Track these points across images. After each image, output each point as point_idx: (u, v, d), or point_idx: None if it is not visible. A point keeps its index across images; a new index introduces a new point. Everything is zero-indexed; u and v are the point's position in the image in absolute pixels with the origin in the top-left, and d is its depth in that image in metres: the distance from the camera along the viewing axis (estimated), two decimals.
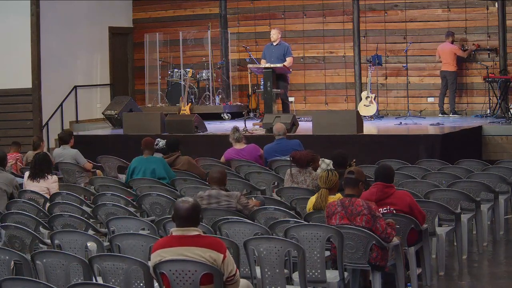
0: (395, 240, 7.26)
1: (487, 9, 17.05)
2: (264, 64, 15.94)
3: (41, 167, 9.84)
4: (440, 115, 16.82)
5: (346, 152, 9.44)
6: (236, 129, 12.17)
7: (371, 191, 7.74)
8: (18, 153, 12.79)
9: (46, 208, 9.14)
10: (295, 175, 9.31)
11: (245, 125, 14.84)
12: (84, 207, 9.12)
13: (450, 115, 16.76)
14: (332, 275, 6.95)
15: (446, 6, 17.48)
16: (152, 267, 5.77)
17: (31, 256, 6.42)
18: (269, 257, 6.57)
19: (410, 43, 17.35)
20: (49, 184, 9.77)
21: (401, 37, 17.86)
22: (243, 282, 6.11)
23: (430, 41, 17.56)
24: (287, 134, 12.66)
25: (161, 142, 11.85)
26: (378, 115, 17.11)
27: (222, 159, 12.20)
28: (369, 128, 15.10)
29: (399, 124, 15.61)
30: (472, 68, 17.25)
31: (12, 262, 6.43)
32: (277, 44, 16.14)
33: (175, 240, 5.70)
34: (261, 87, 16.36)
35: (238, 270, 5.87)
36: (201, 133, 15.16)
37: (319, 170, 9.44)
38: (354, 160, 9.49)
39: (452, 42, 16.81)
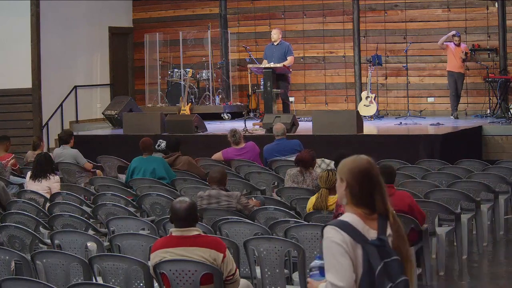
0: None
1: (487, 9, 17.05)
2: (265, 64, 15.93)
3: (43, 167, 9.83)
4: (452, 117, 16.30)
5: (348, 152, 9.42)
6: (234, 132, 12.04)
7: None
8: (8, 151, 12.61)
9: (46, 208, 9.14)
10: (296, 175, 9.32)
11: (245, 125, 14.84)
12: (84, 207, 9.12)
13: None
14: None
15: (446, 6, 17.48)
16: (152, 267, 5.77)
17: (31, 256, 6.42)
18: (269, 257, 6.57)
19: (410, 43, 17.34)
20: (51, 184, 9.77)
21: (401, 37, 17.86)
22: (243, 282, 6.11)
23: (430, 41, 17.55)
24: (287, 134, 12.66)
25: (163, 144, 11.83)
26: (378, 115, 17.11)
27: (219, 155, 12.17)
28: (369, 128, 15.10)
29: (399, 124, 15.60)
30: (472, 68, 17.25)
31: (13, 262, 6.43)
32: (278, 44, 16.13)
33: (175, 241, 5.71)
34: (261, 87, 16.36)
35: (237, 270, 5.87)
36: (201, 133, 15.16)
37: (318, 170, 9.44)
38: None
39: (456, 42, 16.40)
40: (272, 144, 12.09)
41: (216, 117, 17.98)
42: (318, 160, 9.73)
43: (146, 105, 19.44)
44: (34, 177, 9.83)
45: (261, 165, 11.69)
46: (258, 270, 6.75)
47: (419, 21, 17.73)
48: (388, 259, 3.78)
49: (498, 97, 16.14)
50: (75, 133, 13.79)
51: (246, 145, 12.03)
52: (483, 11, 17.12)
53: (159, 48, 19.74)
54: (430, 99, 17.75)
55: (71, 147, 12.23)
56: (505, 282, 8.28)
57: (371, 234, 3.82)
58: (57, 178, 9.96)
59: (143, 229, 7.74)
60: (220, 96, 18.67)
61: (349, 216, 3.84)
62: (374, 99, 16.83)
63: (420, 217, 7.65)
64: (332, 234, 3.76)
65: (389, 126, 15.66)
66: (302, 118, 16.36)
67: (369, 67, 17.18)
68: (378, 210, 3.84)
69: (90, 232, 7.82)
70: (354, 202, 3.85)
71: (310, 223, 7.38)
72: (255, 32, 19.38)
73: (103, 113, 17.81)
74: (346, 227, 3.77)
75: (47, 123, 17.84)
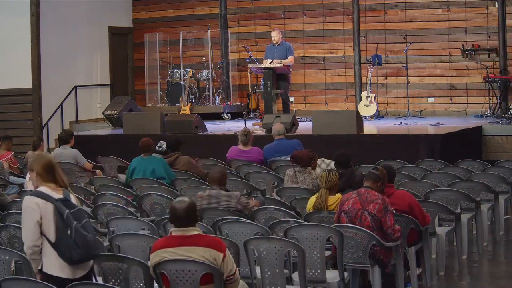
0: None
1: (487, 9, 17.05)
2: (265, 63, 15.90)
3: None
4: None
5: (349, 152, 9.44)
6: (246, 132, 11.96)
7: None
8: (10, 150, 12.69)
9: None
10: (294, 175, 9.31)
11: (245, 125, 14.83)
12: (84, 207, 9.10)
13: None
14: (332, 275, 6.95)
15: (446, 6, 17.48)
16: (152, 267, 5.77)
17: None
18: (269, 257, 6.58)
19: (410, 43, 17.34)
20: None
21: (401, 37, 17.85)
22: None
23: (430, 41, 17.57)
24: (287, 134, 12.65)
25: (164, 145, 11.79)
26: (378, 115, 17.10)
27: None
28: (369, 128, 15.09)
29: (399, 124, 15.60)
30: (472, 68, 17.25)
31: (13, 262, 6.42)
32: (278, 45, 16.11)
33: (175, 241, 5.70)
34: (261, 87, 16.35)
35: (238, 269, 5.87)
36: (201, 133, 15.16)
37: (318, 170, 9.44)
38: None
39: None
40: (272, 144, 12.08)
41: (216, 117, 17.98)
42: (318, 160, 9.72)
43: (146, 105, 19.44)
44: None
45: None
46: (258, 270, 6.75)
47: (419, 21, 17.72)
48: (73, 209, 5.63)
49: (498, 97, 16.13)
50: (75, 133, 13.78)
51: (252, 149, 11.98)
52: (483, 11, 17.12)
53: (159, 48, 19.74)
54: (430, 99, 17.75)
55: (71, 147, 12.22)
56: (505, 282, 8.29)
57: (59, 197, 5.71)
58: None
59: (143, 229, 7.74)
60: (220, 96, 18.66)
61: (42, 188, 5.69)
62: (374, 99, 16.82)
63: (421, 217, 7.64)
64: (27, 202, 5.65)
65: (389, 126, 15.65)
66: (302, 118, 16.35)
67: (369, 67, 17.17)
68: (61, 184, 5.74)
69: None
70: (44, 181, 5.71)
71: (310, 223, 7.38)
72: (255, 32, 19.38)
73: (103, 113, 17.81)
74: (40, 194, 5.64)
75: (47, 123, 17.84)
